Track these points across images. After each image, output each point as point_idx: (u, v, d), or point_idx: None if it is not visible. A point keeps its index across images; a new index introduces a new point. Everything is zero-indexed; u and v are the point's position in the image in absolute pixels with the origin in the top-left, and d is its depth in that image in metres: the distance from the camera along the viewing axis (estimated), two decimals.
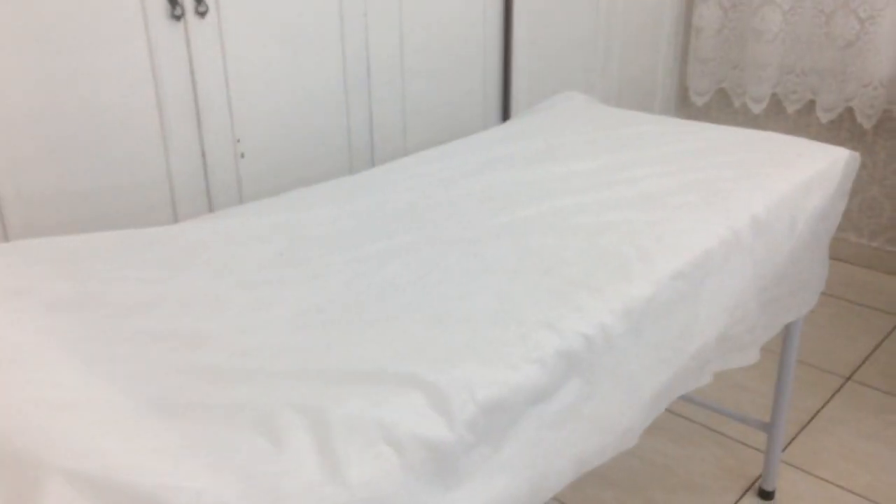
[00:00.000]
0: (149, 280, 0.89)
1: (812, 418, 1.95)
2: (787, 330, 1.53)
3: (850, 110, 2.53)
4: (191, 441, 0.63)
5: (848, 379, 2.09)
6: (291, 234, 1.07)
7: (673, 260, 1.04)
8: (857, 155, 1.43)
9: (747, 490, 1.72)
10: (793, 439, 1.87)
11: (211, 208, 1.58)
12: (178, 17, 1.42)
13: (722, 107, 2.81)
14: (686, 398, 1.73)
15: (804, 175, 1.32)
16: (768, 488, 1.69)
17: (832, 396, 2.03)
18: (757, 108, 2.65)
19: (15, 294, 0.76)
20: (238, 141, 1.58)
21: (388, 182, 1.29)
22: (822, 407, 1.99)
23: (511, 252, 1.03)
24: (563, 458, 0.88)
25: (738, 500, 1.69)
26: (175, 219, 1.54)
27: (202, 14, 1.45)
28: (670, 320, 1.03)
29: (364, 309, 0.89)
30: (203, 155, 1.53)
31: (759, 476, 1.75)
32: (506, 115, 2.19)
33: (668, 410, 1.98)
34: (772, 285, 1.26)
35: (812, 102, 2.59)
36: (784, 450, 1.83)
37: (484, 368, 0.79)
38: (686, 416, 1.95)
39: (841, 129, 2.58)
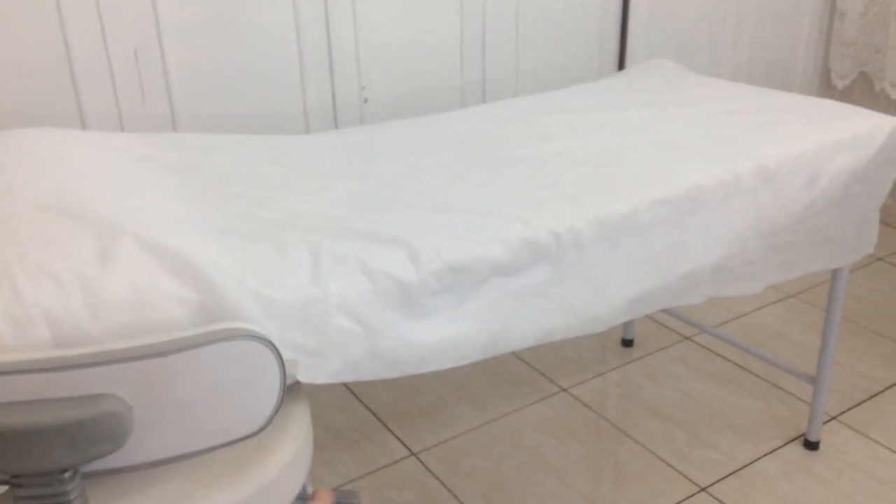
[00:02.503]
0: (242, 164, 1.24)
1: (885, 390, 2.00)
2: (832, 285, 1.64)
3: None
4: (227, 245, 0.96)
5: None
6: (362, 149, 1.39)
7: (660, 189, 1.24)
8: None
9: (793, 440, 1.84)
10: (858, 404, 1.95)
11: None
12: None
13: (864, 91, 2.80)
14: (746, 350, 1.87)
15: (833, 136, 1.44)
16: (812, 439, 1.80)
17: None
18: (895, 94, 2.63)
19: (146, 159, 1.14)
20: (363, 88, 1.92)
21: (457, 118, 1.57)
22: None
23: (523, 174, 1.28)
24: (527, 324, 1.12)
25: (781, 446, 1.82)
26: None
27: None
28: (653, 239, 1.23)
29: (392, 200, 1.18)
30: (333, 97, 1.89)
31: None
32: None
33: (729, 361, 2.11)
34: (784, 231, 1.40)
35: None
36: (846, 412, 1.92)
37: (455, 240, 1.06)
38: (746, 367, 2.08)
39: None
